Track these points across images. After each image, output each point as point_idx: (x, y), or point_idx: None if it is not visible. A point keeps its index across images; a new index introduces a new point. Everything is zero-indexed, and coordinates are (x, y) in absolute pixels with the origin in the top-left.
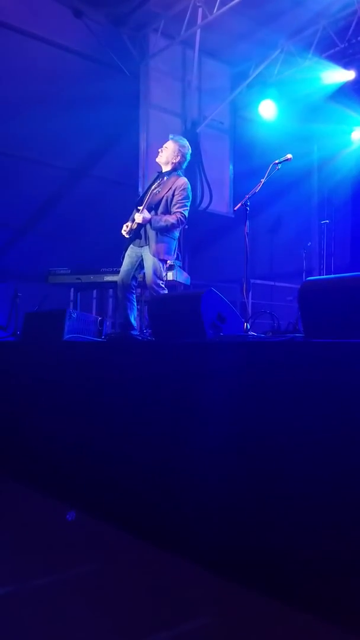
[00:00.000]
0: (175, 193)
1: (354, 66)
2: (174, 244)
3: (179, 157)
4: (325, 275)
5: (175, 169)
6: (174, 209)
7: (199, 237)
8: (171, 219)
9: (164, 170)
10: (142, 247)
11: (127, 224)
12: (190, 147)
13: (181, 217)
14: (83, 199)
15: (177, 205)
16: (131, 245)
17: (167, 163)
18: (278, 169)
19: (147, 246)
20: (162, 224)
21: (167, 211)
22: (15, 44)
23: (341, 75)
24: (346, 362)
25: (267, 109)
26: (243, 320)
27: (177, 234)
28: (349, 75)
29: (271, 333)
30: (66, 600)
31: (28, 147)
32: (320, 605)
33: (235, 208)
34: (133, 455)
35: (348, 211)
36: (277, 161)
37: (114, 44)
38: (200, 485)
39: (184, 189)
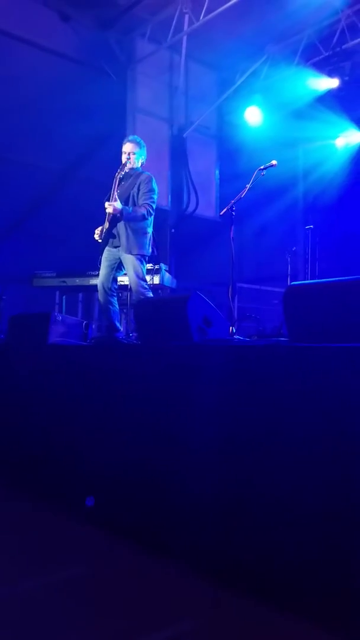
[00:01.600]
0: (141, 188)
1: (337, 74)
2: (147, 238)
3: (142, 156)
4: (310, 279)
5: (138, 167)
6: (140, 201)
7: (185, 240)
8: (140, 209)
9: (127, 170)
10: (117, 247)
11: (98, 227)
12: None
13: (149, 209)
14: (69, 202)
15: (144, 197)
16: (107, 248)
17: (133, 168)
18: (263, 174)
19: (121, 245)
20: (133, 214)
21: (134, 206)
22: (1, 47)
23: (325, 82)
24: (330, 366)
25: (253, 115)
26: (229, 323)
27: (149, 228)
28: (333, 82)
29: (256, 337)
30: (55, 603)
31: (14, 149)
32: (307, 609)
33: (221, 213)
34: (119, 458)
35: (332, 217)
36: (262, 167)
37: (101, 48)
38: (189, 488)
39: (148, 182)
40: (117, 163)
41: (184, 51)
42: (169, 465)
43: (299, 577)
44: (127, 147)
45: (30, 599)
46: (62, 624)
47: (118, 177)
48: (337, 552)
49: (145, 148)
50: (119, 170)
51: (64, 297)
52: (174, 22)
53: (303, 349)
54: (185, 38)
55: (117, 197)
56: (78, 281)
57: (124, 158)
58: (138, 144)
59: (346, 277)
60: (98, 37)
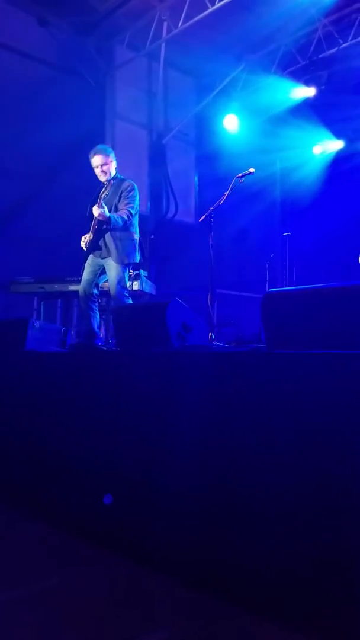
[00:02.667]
0: (122, 195)
1: (314, 83)
2: (134, 245)
3: (113, 161)
4: (288, 286)
5: (116, 174)
6: (121, 206)
7: (165, 246)
8: (120, 213)
9: (105, 180)
10: (103, 258)
11: (85, 235)
12: (106, 145)
13: (128, 213)
14: (48, 207)
15: (124, 203)
16: (91, 255)
17: (113, 173)
18: (241, 182)
19: (109, 257)
20: (119, 219)
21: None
22: None
23: (302, 91)
24: (307, 373)
25: (231, 122)
26: (208, 329)
27: (136, 235)
28: (309, 91)
29: (235, 343)
30: (32, 614)
31: None
32: (290, 616)
33: (200, 219)
34: (97, 466)
35: (310, 223)
36: (240, 175)
37: (80, 54)
38: (170, 495)
39: (130, 190)
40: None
41: (162, 58)
42: (149, 471)
43: (281, 584)
44: (95, 161)
45: (8, 610)
46: (35, 634)
47: (102, 195)
48: (319, 559)
49: (112, 151)
50: (103, 189)
51: (42, 303)
52: (153, 29)
53: (280, 355)
54: (163, 45)
55: (102, 202)
56: (57, 287)
57: (97, 173)
58: (104, 151)
59: (323, 284)
60: (77, 43)
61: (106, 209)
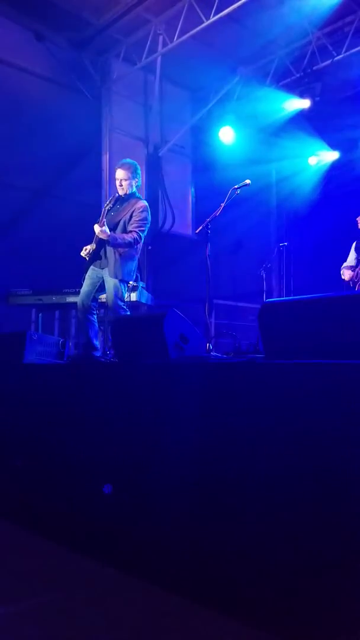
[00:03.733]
0: (134, 215)
1: (309, 95)
2: (134, 265)
3: (136, 178)
4: (285, 296)
5: (133, 191)
6: (130, 228)
7: (162, 258)
8: (128, 236)
9: (122, 195)
10: (102, 268)
11: (86, 247)
12: (136, 163)
13: (137, 237)
14: (45, 220)
15: (134, 225)
16: (92, 267)
17: (130, 190)
18: (238, 193)
19: (107, 268)
20: (120, 240)
21: (124, 232)
22: None
23: (297, 103)
24: (305, 383)
25: (227, 135)
26: (206, 340)
27: (136, 255)
28: (304, 103)
29: (232, 353)
30: (27, 628)
31: None
32: (277, 623)
33: (197, 231)
34: (95, 477)
35: (306, 234)
36: (236, 186)
37: (76, 68)
38: (164, 505)
39: (142, 211)
40: (93, 182)
41: (158, 71)
42: (145, 482)
43: (269, 592)
44: (118, 174)
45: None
46: None
47: (106, 208)
48: (311, 567)
49: (139, 169)
50: (108, 201)
51: (40, 315)
52: (148, 43)
53: (278, 365)
54: (159, 59)
55: (105, 221)
56: (54, 299)
57: (117, 185)
58: (129, 168)
59: (320, 294)
60: (73, 57)
61: (106, 228)
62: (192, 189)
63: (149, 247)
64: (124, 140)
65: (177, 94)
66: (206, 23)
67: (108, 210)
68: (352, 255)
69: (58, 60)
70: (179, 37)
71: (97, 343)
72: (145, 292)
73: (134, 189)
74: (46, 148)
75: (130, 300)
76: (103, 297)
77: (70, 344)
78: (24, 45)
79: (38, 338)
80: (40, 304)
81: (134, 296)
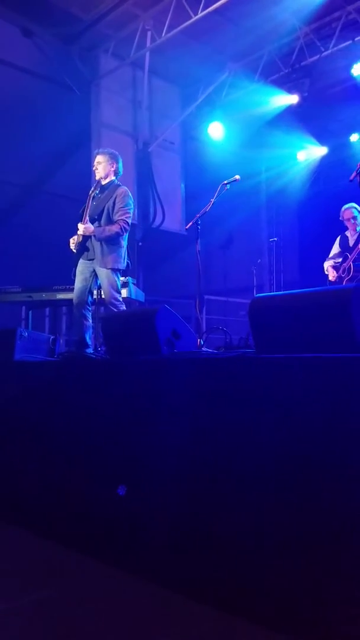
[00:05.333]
0: (116, 201)
1: (297, 90)
2: (123, 251)
3: (114, 164)
4: (275, 290)
5: (113, 179)
6: (116, 217)
7: (153, 254)
8: (114, 228)
9: (103, 183)
10: (91, 260)
11: (73, 237)
12: (117, 153)
13: (124, 225)
14: (35, 216)
15: (119, 213)
16: (81, 261)
17: (106, 176)
18: (227, 189)
19: (96, 258)
20: (107, 234)
21: (109, 220)
22: None
23: (285, 99)
24: (294, 377)
25: (216, 130)
26: (197, 336)
27: (124, 241)
28: (292, 99)
29: (223, 349)
30: (23, 626)
31: None
32: (273, 619)
33: (187, 227)
34: (89, 474)
35: (295, 229)
36: (225, 182)
37: (65, 64)
38: (160, 500)
39: (125, 196)
40: (83, 177)
41: (146, 67)
42: (138, 478)
43: (264, 587)
44: (96, 159)
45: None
46: None
47: (92, 195)
48: (305, 568)
49: (119, 160)
50: (92, 188)
51: (30, 312)
52: (137, 38)
53: (268, 360)
54: (148, 54)
55: (88, 219)
56: (45, 296)
57: (94, 169)
58: (106, 153)
59: (309, 289)
60: (61, 52)
61: (89, 224)
62: (182, 185)
63: (140, 244)
64: (113, 136)
65: (166, 90)
66: (194, 18)
67: (93, 198)
68: (335, 249)
69: (46, 55)
70: (167, 32)
71: (89, 340)
72: (136, 288)
73: (114, 178)
74: (35, 144)
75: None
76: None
77: (61, 341)
78: (11, 40)
79: (28, 335)
80: (30, 301)
81: (125, 292)
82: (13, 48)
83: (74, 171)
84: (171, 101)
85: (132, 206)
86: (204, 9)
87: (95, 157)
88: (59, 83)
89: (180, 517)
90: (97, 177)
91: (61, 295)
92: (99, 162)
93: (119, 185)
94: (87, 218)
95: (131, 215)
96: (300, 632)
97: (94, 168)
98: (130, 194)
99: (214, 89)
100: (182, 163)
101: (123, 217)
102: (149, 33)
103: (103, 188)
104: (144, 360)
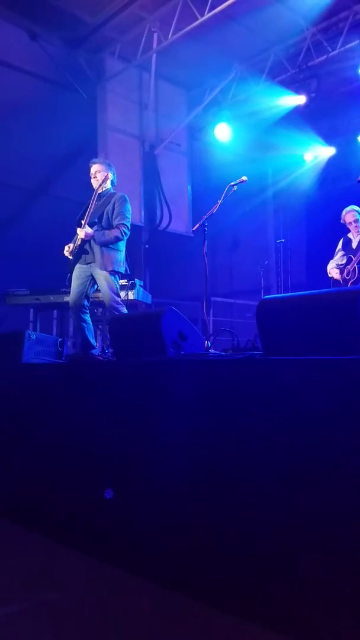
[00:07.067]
0: (116, 206)
1: (304, 91)
2: (121, 255)
3: (109, 173)
4: (282, 292)
5: (109, 187)
6: (115, 222)
7: (159, 256)
8: (114, 232)
9: (100, 191)
10: (89, 263)
11: (68, 245)
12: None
13: (124, 229)
14: (42, 219)
15: (119, 217)
16: (78, 265)
17: (104, 184)
18: (234, 190)
19: (94, 262)
20: (106, 238)
21: (109, 224)
22: None
23: (292, 99)
24: (302, 379)
25: (222, 132)
26: (204, 338)
27: (122, 245)
28: (299, 99)
29: (231, 351)
30: (29, 627)
31: None
32: (275, 619)
33: (194, 228)
34: (94, 476)
35: (302, 230)
36: (232, 183)
37: (71, 67)
38: (165, 502)
39: (123, 201)
40: (89, 181)
41: (153, 69)
42: (144, 479)
43: (267, 588)
44: (93, 168)
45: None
46: None
47: (91, 202)
48: (320, 561)
49: (112, 168)
50: (92, 197)
51: (38, 314)
52: (143, 40)
53: (276, 362)
54: (154, 56)
55: (86, 223)
56: (52, 298)
57: (92, 179)
58: (102, 162)
59: (317, 291)
60: (67, 55)
61: (88, 228)
62: (189, 187)
63: (146, 246)
64: (119, 138)
65: (172, 92)
66: (200, 20)
67: (92, 205)
68: (339, 252)
69: (53, 59)
70: (173, 34)
71: (93, 341)
72: (143, 290)
73: (110, 186)
74: (42, 147)
75: (128, 299)
76: (99, 295)
77: (69, 343)
78: (18, 44)
79: (36, 337)
80: (37, 303)
81: (131, 295)
82: (20, 51)
83: (81, 174)
84: (178, 103)
85: (130, 210)
86: (210, 10)
87: (92, 166)
88: (65, 86)
89: (186, 519)
90: (95, 186)
91: (68, 298)
92: (97, 171)
93: (116, 192)
94: (87, 223)
95: (130, 219)
96: (300, 633)
97: (91, 177)
98: (128, 200)
99: (221, 90)
100: (188, 165)
101: (123, 222)
102: (155, 35)
103: (100, 196)
104: (151, 361)
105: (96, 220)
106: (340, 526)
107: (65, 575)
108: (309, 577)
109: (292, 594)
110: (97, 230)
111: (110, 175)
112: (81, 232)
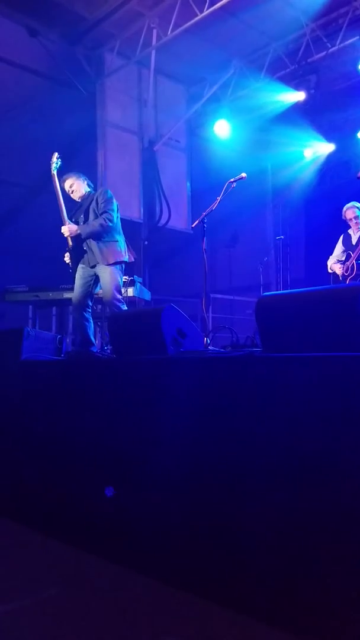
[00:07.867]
0: (99, 200)
1: (303, 87)
2: (119, 244)
3: (80, 179)
4: (282, 289)
5: (88, 190)
6: (99, 213)
7: (158, 253)
8: (97, 221)
9: (81, 200)
10: (92, 266)
11: (67, 253)
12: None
13: (107, 217)
14: (41, 216)
15: (102, 207)
16: (80, 266)
17: (81, 192)
18: (233, 187)
19: (98, 263)
20: (90, 229)
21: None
22: None
23: (292, 96)
24: (302, 376)
25: (222, 128)
26: (203, 335)
27: (118, 235)
28: (299, 96)
29: (230, 347)
30: (31, 624)
31: None
32: (275, 615)
33: (193, 225)
34: (94, 474)
35: (302, 227)
36: (232, 179)
37: (70, 63)
38: (164, 499)
39: (104, 193)
40: (89, 177)
41: (152, 65)
42: (143, 477)
43: (266, 584)
44: (66, 184)
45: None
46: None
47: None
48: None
49: (83, 175)
50: (79, 206)
51: (37, 311)
52: (142, 36)
53: (275, 359)
54: (153, 52)
55: (66, 219)
56: (51, 295)
57: (70, 194)
58: (73, 175)
59: (316, 287)
60: (66, 52)
61: (70, 223)
62: (188, 183)
63: (145, 242)
64: (118, 135)
65: (171, 88)
66: (200, 16)
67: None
68: (339, 248)
69: (52, 55)
70: (172, 30)
71: (93, 338)
72: (142, 287)
73: (89, 189)
74: (40, 144)
75: (127, 296)
76: (100, 292)
77: (68, 340)
78: (17, 40)
79: (35, 334)
80: (36, 300)
81: (131, 291)
82: (19, 48)
83: (80, 170)
84: (177, 99)
85: (114, 202)
86: (209, 7)
87: (64, 184)
88: (64, 82)
89: (186, 516)
90: (77, 198)
91: (67, 295)
92: (71, 185)
93: (96, 190)
94: (65, 218)
95: (114, 208)
96: (299, 628)
97: (69, 192)
98: (109, 191)
99: (220, 86)
100: (187, 161)
101: (105, 210)
102: (154, 31)
103: (83, 199)
104: (150, 359)
105: (82, 216)
106: (340, 524)
107: (65, 573)
108: (308, 573)
109: (291, 590)
110: (81, 225)
111: (83, 181)
112: (64, 229)
